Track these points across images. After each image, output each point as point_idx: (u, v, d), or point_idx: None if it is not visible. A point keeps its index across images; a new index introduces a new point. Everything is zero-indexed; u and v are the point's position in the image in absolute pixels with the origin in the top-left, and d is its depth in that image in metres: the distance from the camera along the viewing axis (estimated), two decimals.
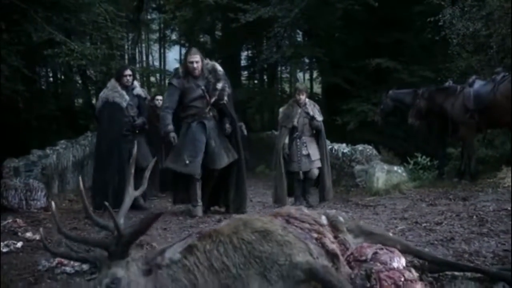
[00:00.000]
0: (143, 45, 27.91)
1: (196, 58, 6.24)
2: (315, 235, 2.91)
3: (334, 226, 3.16)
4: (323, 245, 2.86)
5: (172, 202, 7.03)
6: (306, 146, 7.26)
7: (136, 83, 7.51)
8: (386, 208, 6.54)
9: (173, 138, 6.17)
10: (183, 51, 27.45)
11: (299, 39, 17.34)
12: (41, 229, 2.96)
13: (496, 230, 4.63)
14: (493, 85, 7.80)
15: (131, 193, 2.83)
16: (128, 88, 7.22)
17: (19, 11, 10.16)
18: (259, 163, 13.37)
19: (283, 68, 22.93)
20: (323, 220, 3.15)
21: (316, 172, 7.30)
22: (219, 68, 6.40)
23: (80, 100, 21.30)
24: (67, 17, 11.17)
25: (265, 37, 14.31)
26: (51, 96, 18.40)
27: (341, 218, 3.26)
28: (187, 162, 6.06)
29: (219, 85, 6.25)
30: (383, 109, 9.65)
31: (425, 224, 5.17)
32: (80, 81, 19.31)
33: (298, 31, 16.12)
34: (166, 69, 26.91)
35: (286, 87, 23.83)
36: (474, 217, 5.32)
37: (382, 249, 3.05)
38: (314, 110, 7.35)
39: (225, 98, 6.31)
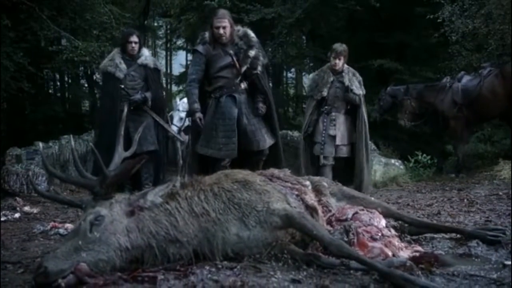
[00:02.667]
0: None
1: (223, 23, 5.08)
2: (296, 192, 3.02)
3: (317, 189, 3.27)
4: (303, 200, 2.97)
5: None
6: (334, 125, 5.94)
7: (145, 51, 6.57)
8: (382, 196, 6.59)
9: (199, 119, 5.08)
10: (189, 56, 27.84)
11: (302, 40, 17.41)
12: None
13: (483, 209, 4.71)
14: (479, 80, 8.00)
15: (120, 152, 2.94)
16: (134, 58, 6.32)
17: (25, 9, 10.35)
18: None
19: (289, 72, 23.06)
20: (307, 183, 3.26)
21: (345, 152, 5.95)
22: (252, 34, 5.26)
23: (87, 104, 21.51)
24: (72, 16, 11.38)
25: (269, 36, 14.33)
26: (58, 100, 18.63)
27: (324, 183, 3.38)
28: (221, 146, 5.00)
29: (252, 52, 5.13)
30: (382, 105, 9.75)
31: (416, 206, 5.25)
32: (86, 85, 19.51)
33: (300, 32, 16.17)
34: (172, 74, 27.32)
35: (291, 92, 23.95)
36: (465, 200, 5.42)
37: (362, 210, 3.16)
38: (353, 80, 5.97)
39: (259, 68, 5.18)
